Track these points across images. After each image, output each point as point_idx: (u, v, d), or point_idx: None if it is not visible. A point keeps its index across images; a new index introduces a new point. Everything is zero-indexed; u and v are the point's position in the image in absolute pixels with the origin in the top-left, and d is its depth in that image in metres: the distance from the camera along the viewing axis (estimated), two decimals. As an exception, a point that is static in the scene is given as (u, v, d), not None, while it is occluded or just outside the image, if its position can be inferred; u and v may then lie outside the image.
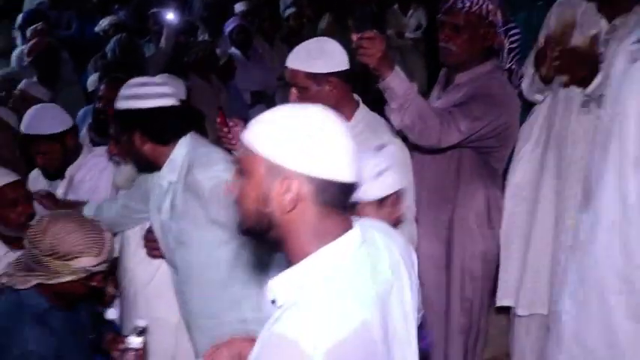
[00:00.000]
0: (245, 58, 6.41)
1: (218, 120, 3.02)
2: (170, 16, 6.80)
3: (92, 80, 5.13)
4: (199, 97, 5.36)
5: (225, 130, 2.99)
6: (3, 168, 2.99)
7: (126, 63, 5.42)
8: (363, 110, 2.80)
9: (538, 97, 3.27)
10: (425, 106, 2.89)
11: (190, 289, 2.79)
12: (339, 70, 2.70)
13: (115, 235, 3.12)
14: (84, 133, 4.49)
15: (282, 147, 1.42)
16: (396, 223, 2.39)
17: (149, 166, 2.73)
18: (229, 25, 6.59)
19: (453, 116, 2.94)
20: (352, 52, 2.74)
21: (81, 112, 5.01)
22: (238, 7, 7.34)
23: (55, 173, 3.52)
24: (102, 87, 4.28)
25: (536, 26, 3.42)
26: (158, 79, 2.66)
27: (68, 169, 3.48)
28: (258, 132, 1.45)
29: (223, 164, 2.60)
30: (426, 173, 3.22)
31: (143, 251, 2.98)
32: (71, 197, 3.42)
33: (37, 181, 3.57)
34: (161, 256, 2.92)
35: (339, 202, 1.47)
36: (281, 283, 1.47)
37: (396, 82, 2.78)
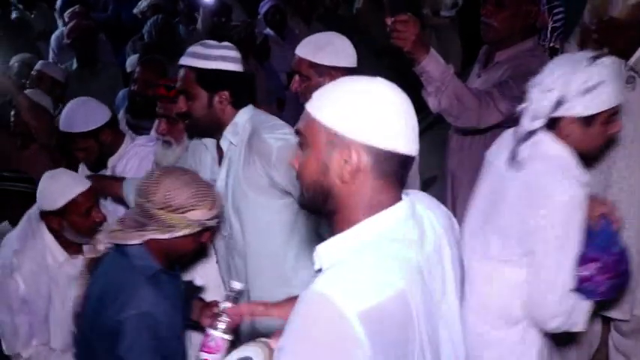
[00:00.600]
0: (280, 38, 6.39)
1: None
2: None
3: (131, 61, 5.17)
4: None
5: None
6: (73, 174, 2.97)
7: (163, 45, 5.46)
8: None
9: None
10: (462, 87, 2.86)
11: (243, 258, 2.76)
12: (343, 66, 2.74)
13: None
14: (121, 115, 4.54)
15: (342, 116, 1.44)
16: (603, 142, 2.32)
17: (212, 129, 2.68)
18: (264, 6, 6.57)
19: (492, 96, 2.90)
20: (387, 33, 2.72)
21: (120, 94, 5.06)
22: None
23: (96, 165, 3.54)
24: (137, 69, 4.32)
25: (578, 2, 3.34)
26: (228, 45, 2.65)
27: (110, 159, 3.49)
28: (320, 102, 1.49)
29: (288, 128, 2.60)
30: (466, 154, 3.19)
31: None
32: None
33: (82, 173, 3.60)
34: None
35: (397, 175, 1.48)
36: (327, 249, 1.50)
37: (432, 66, 2.76)
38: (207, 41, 2.63)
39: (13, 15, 6.92)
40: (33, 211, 2.93)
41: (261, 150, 2.57)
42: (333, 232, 1.51)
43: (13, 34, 6.38)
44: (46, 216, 2.83)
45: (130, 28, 6.74)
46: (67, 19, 6.20)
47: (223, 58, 2.57)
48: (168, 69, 4.78)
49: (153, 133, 3.46)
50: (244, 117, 2.64)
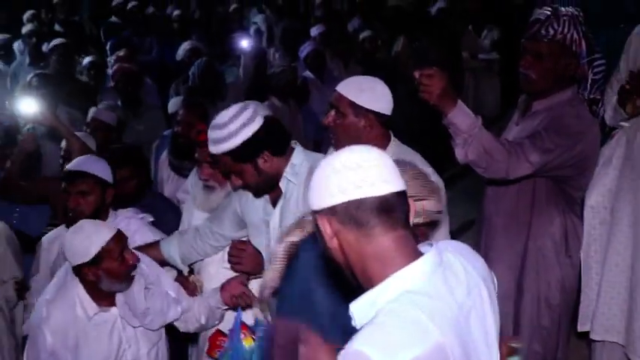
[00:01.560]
0: (320, 81, 6.49)
1: None
2: (246, 42, 6.95)
3: (174, 103, 5.29)
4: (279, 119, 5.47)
5: None
6: (97, 222, 2.90)
7: (206, 88, 5.59)
8: (394, 145, 2.84)
9: (624, 124, 3.19)
10: (490, 139, 2.87)
11: None
12: (379, 111, 2.79)
13: (191, 265, 3.22)
14: (164, 157, 4.63)
15: (310, 196, 1.56)
16: None
17: (272, 184, 2.73)
18: (304, 50, 6.70)
19: (523, 148, 2.91)
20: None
21: (163, 135, 5.16)
22: (314, 31, 7.45)
23: None
24: (181, 111, 4.41)
25: (618, 49, 3.35)
26: (233, 108, 2.65)
27: None
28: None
29: None
30: (500, 200, 3.20)
31: (222, 274, 3.05)
32: None
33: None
34: (245, 270, 2.98)
35: (383, 218, 1.50)
36: (359, 307, 1.52)
37: (459, 118, 2.79)
38: (217, 122, 2.62)
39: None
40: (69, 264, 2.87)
41: None
42: (363, 286, 1.55)
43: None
44: (80, 270, 2.77)
45: (174, 70, 6.93)
46: (112, 63, 6.39)
47: (243, 126, 2.58)
48: (210, 113, 4.90)
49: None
50: (300, 156, 2.70)
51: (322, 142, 5.72)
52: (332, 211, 1.51)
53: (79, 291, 2.83)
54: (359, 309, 1.52)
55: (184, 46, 6.70)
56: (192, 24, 8.03)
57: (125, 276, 2.80)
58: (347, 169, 1.50)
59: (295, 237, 2.09)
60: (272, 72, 6.06)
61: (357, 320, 1.52)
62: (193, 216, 3.28)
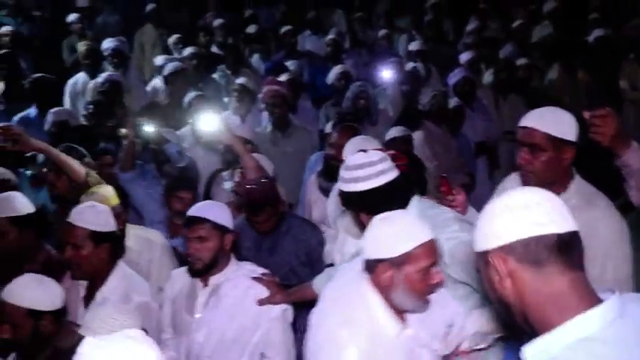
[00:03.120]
0: (469, 109, 6.39)
1: (442, 188, 3.03)
2: (393, 67, 6.96)
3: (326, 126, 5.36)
4: (434, 144, 5.42)
5: (450, 198, 2.99)
6: (413, 218, 2.48)
7: (358, 112, 5.65)
8: (577, 181, 2.72)
9: None
10: None
11: None
12: (575, 140, 2.67)
13: None
14: (313, 178, 4.70)
15: (479, 236, 1.54)
16: None
17: None
18: (454, 77, 6.62)
19: None
20: (583, 124, 2.67)
21: (313, 158, 5.26)
22: (463, 57, 7.35)
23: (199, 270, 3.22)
24: (334, 134, 4.47)
25: None
26: (376, 155, 2.67)
27: (212, 277, 3.20)
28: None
29: (458, 224, 2.61)
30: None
31: None
32: (211, 305, 3.19)
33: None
34: None
35: (556, 257, 1.45)
36: (533, 351, 1.46)
37: (634, 160, 2.67)
38: (349, 162, 2.68)
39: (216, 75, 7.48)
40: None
41: None
42: (533, 332, 1.50)
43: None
44: (375, 268, 2.31)
45: (325, 93, 7.07)
46: (264, 85, 6.56)
47: (355, 180, 2.62)
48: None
49: None
50: (413, 213, 2.66)
51: (476, 173, 5.68)
52: (509, 250, 1.47)
53: (374, 299, 2.36)
54: (532, 353, 1.46)
55: (335, 70, 6.79)
56: (344, 48, 8.14)
57: (421, 295, 2.33)
58: (524, 207, 1.48)
59: None
60: (424, 96, 6.05)
61: None
62: (346, 242, 3.28)
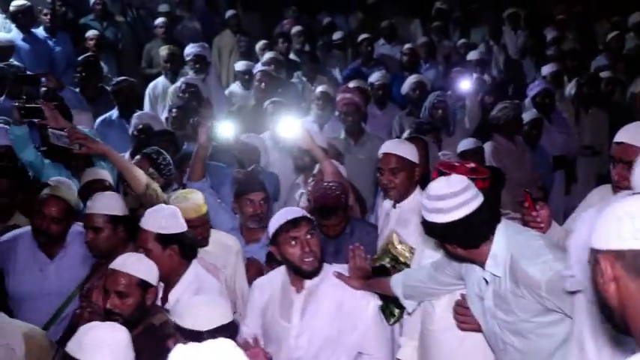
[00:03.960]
0: (547, 121, 6.25)
1: (525, 204, 2.95)
2: (470, 79, 6.86)
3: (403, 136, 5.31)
4: (502, 157, 5.34)
5: (534, 214, 2.92)
6: None
7: (434, 122, 5.61)
8: None
9: None
10: None
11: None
12: None
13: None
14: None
15: (595, 233, 1.50)
16: None
17: (467, 262, 2.74)
18: (534, 88, 6.49)
19: None
20: None
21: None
22: (545, 70, 7.20)
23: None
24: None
25: None
26: (459, 183, 2.58)
27: (307, 281, 3.21)
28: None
29: (550, 252, 2.53)
30: None
31: (450, 318, 2.99)
32: (310, 310, 3.21)
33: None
34: (471, 330, 2.92)
35: None
36: None
37: None
38: (432, 190, 2.59)
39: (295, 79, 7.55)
40: None
41: (527, 283, 2.54)
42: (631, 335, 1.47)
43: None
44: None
45: (398, 102, 7.05)
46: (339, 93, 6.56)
47: (438, 211, 2.55)
48: (436, 147, 4.90)
49: None
50: (501, 245, 2.59)
51: (552, 186, 5.55)
52: (618, 255, 1.44)
53: None
54: None
55: (411, 80, 6.75)
56: (421, 58, 8.07)
57: None
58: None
59: None
60: (494, 109, 5.94)
61: None
62: (424, 254, 3.25)
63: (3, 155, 4.49)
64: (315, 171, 4.29)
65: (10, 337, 3.00)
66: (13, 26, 7.35)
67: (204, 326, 2.66)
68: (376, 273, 3.31)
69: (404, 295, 3.14)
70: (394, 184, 3.69)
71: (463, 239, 2.55)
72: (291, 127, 4.04)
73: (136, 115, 5.68)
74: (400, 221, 3.61)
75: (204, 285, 3.29)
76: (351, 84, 6.33)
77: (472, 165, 2.91)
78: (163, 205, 3.45)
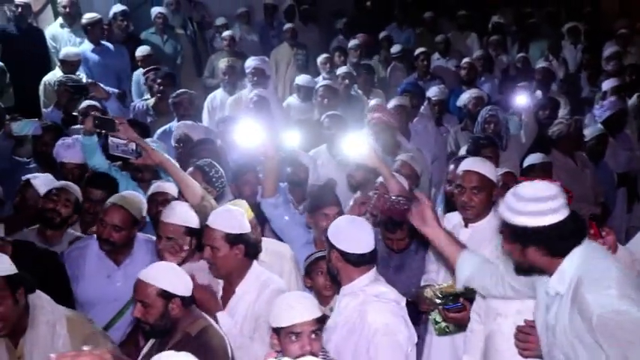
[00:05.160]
0: (612, 138, 6.14)
1: (591, 231, 2.89)
2: (528, 93, 6.78)
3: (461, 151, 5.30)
4: (560, 173, 5.27)
5: (600, 241, 2.86)
6: None
7: (489, 136, 5.55)
8: None
9: None
10: None
11: None
12: None
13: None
14: (440, 199, 4.64)
15: None
16: None
17: (537, 272, 2.68)
18: (607, 109, 6.37)
19: None
20: None
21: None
22: (606, 85, 7.11)
23: None
24: (451, 167, 4.35)
25: None
26: (550, 190, 2.52)
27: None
28: None
29: (618, 289, 2.41)
30: None
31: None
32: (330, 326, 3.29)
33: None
34: (533, 356, 2.85)
35: None
36: None
37: None
38: (522, 191, 2.54)
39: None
40: None
41: (582, 309, 2.46)
42: None
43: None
44: None
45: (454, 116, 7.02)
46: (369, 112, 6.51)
47: (530, 214, 2.48)
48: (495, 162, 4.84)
49: None
50: (573, 264, 2.53)
51: (614, 204, 5.43)
52: None
53: None
54: None
55: (469, 93, 6.71)
56: (478, 72, 8.01)
57: None
58: None
59: None
60: (552, 124, 5.88)
61: None
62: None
63: (78, 170, 4.69)
64: (376, 184, 4.25)
65: (50, 315, 3.11)
66: (77, 40, 7.58)
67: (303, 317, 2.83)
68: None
69: (466, 280, 3.09)
70: (474, 203, 3.65)
71: (555, 243, 2.49)
72: (357, 144, 3.98)
73: (175, 125, 5.75)
74: (473, 242, 3.50)
75: (269, 279, 3.45)
76: (392, 102, 6.29)
77: (558, 183, 2.84)
78: (229, 206, 3.56)
